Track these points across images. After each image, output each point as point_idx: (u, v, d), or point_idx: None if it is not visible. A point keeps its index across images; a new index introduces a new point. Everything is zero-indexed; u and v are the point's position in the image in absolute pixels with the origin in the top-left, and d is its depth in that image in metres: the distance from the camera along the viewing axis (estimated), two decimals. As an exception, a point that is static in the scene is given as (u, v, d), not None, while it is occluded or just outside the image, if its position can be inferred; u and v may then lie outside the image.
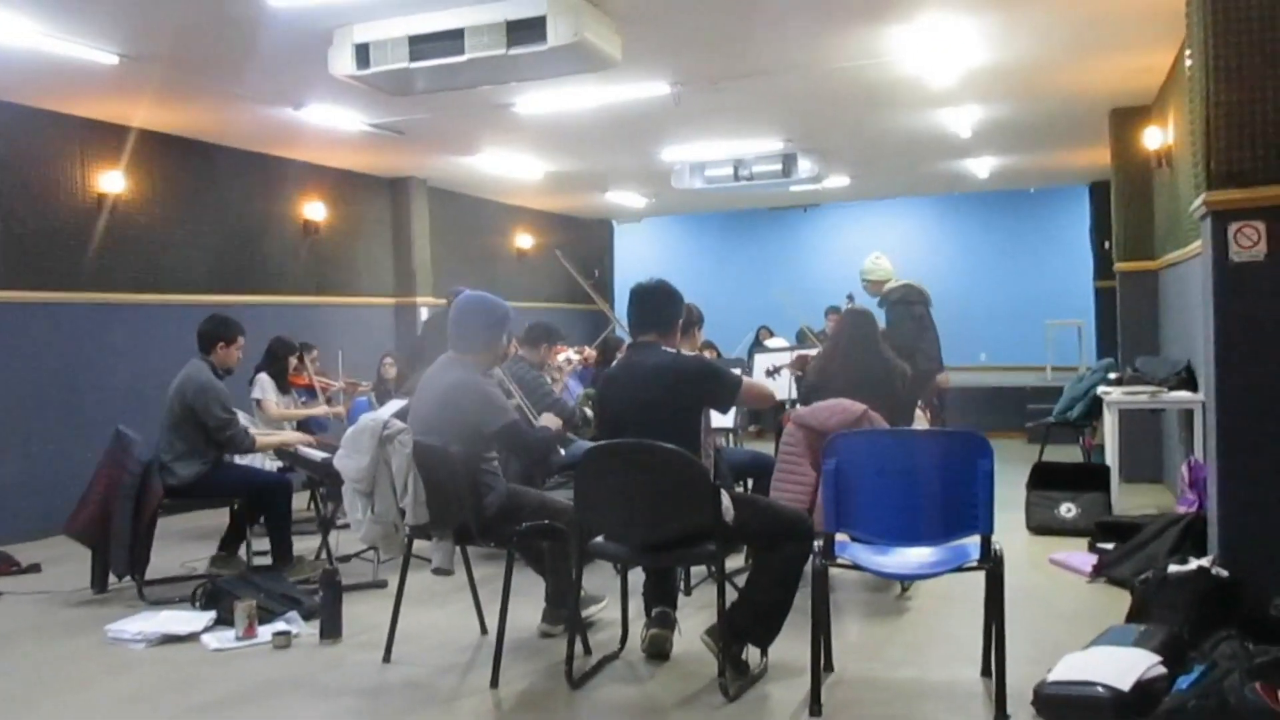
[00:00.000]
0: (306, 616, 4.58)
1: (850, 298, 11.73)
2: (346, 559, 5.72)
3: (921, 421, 5.63)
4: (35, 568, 6.01)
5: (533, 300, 12.61)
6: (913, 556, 3.48)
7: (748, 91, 7.49)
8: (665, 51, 6.47)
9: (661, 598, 4.10)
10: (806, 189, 11.52)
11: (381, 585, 5.18)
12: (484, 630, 4.39)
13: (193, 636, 4.44)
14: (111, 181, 7.73)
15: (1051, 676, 3.29)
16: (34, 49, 5.82)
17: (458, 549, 4.13)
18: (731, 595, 3.73)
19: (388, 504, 3.89)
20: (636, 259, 15.96)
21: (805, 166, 9.69)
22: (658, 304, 3.92)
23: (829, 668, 3.73)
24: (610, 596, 4.48)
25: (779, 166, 9.71)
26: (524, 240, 13.32)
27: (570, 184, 11.65)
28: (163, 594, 5.18)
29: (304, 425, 6.74)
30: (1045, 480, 6.46)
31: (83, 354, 7.46)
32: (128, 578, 5.21)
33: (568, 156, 10.01)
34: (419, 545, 4.13)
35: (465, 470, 3.84)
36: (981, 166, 11.39)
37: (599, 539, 3.79)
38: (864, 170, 11.52)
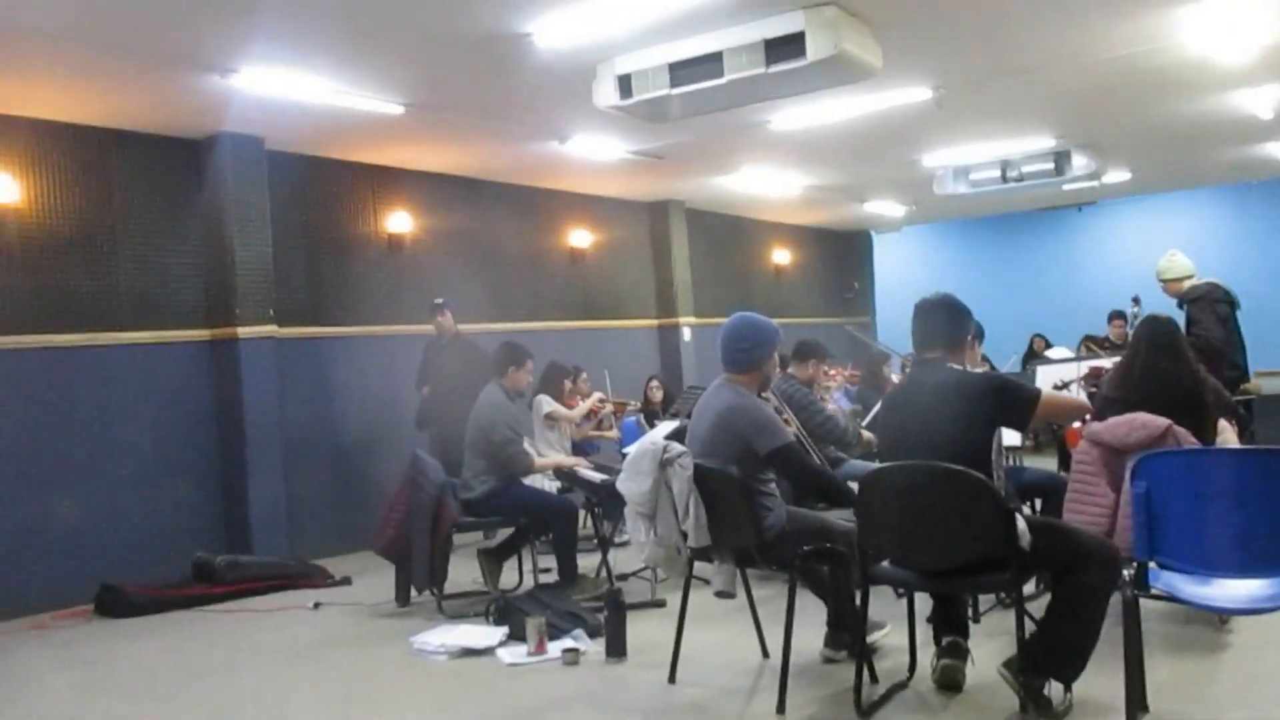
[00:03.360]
0: (591, 634, 4.73)
1: (1136, 300, 10.89)
2: (625, 577, 5.86)
3: (1229, 435, 5.13)
4: (346, 580, 6.56)
5: (791, 316, 12.53)
6: (1241, 588, 3.15)
7: (1014, 89, 7.15)
8: (926, 54, 6.28)
9: (951, 626, 3.94)
10: (1081, 187, 10.83)
11: (660, 605, 5.27)
12: (765, 653, 4.37)
13: (488, 650, 4.69)
14: (399, 222, 8.34)
15: None
16: (331, 105, 6.40)
17: (738, 571, 4.14)
18: (1028, 625, 3.52)
19: (669, 526, 3.94)
20: (896, 270, 15.55)
21: (1080, 163, 9.12)
22: (944, 320, 3.78)
23: (1143, 707, 3.45)
24: (894, 622, 4.35)
25: (1051, 165, 9.19)
26: (781, 256, 13.29)
27: (828, 197, 11.51)
28: (459, 608, 5.51)
29: (578, 449, 7.01)
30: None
31: (378, 382, 8.07)
32: (427, 592, 5.58)
33: (825, 169, 9.90)
34: (698, 566, 4.17)
35: (744, 492, 3.84)
36: (1286, 150, 10.33)
37: (883, 564, 3.69)
38: (1145, 163, 10.71)
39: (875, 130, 8.03)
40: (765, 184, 10.24)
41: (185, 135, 7.07)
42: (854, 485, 3.86)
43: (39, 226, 6.42)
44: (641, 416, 7.37)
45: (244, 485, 7.01)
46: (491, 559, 5.71)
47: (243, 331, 7.06)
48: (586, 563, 5.93)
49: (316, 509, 7.49)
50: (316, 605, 5.94)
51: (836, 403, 7.15)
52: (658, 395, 8.12)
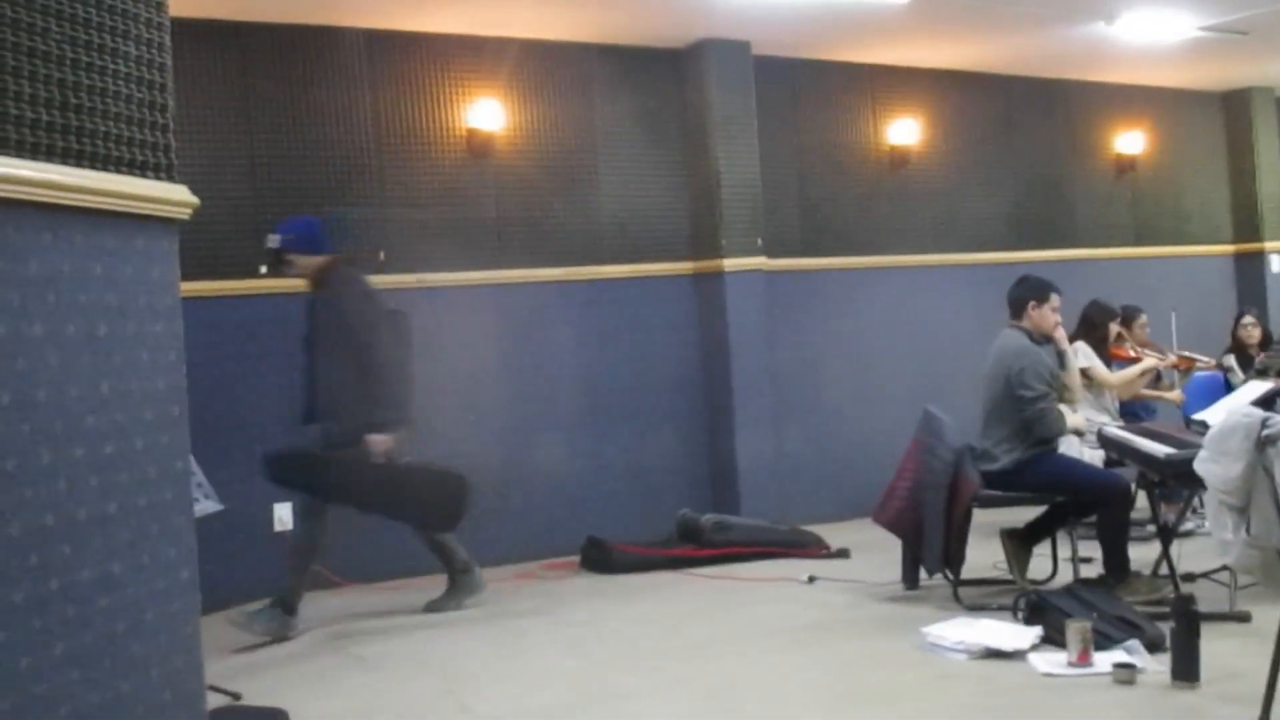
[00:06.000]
0: (1150, 648, 4.51)
1: None
2: (1191, 578, 5.52)
3: None
4: (844, 553, 6.81)
5: None
6: None
7: None
8: None
9: None
10: None
11: (1243, 619, 4.89)
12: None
13: (1018, 654, 4.63)
14: (903, 132, 8.38)
15: None
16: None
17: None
18: None
19: (1269, 524, 3.66)
20: None
21: None
22: None
23: None
24: None
25: None
26: None
27: None
28: (978, 598, 5.51)
29: (1125, 412, 6.69)
30: None
31: (873, 321, 8.24)
32: (939, 575, 5.64)
33: None
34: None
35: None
36: None
37: None
38: None
39: None
40: (1399, 58, 9.02)
41: (667, 45, 7.59)
42: None
43: (522, 155, 7.21)
44: (1235, 361, 6.86)
45: (730, 438, 7.49)
46: (1019, 543, 5.63)
47: (729, 264, 7.50)
48: (1139, 555, 5.67)
49: (808, 468, 7.79)
50: (811, 579, 6.22)
51: None
52: (1254, 335, 7.50)
